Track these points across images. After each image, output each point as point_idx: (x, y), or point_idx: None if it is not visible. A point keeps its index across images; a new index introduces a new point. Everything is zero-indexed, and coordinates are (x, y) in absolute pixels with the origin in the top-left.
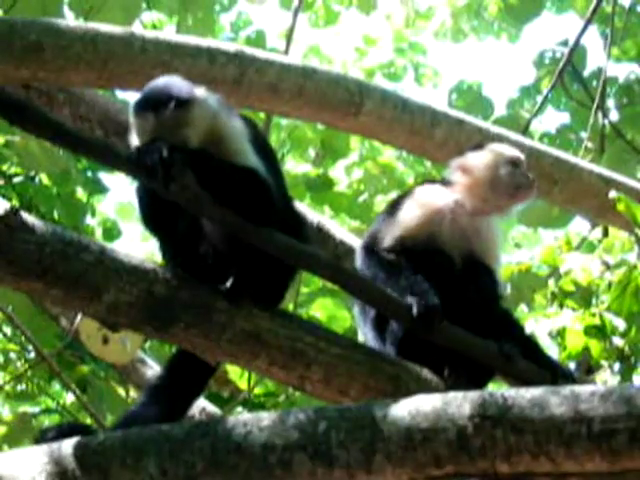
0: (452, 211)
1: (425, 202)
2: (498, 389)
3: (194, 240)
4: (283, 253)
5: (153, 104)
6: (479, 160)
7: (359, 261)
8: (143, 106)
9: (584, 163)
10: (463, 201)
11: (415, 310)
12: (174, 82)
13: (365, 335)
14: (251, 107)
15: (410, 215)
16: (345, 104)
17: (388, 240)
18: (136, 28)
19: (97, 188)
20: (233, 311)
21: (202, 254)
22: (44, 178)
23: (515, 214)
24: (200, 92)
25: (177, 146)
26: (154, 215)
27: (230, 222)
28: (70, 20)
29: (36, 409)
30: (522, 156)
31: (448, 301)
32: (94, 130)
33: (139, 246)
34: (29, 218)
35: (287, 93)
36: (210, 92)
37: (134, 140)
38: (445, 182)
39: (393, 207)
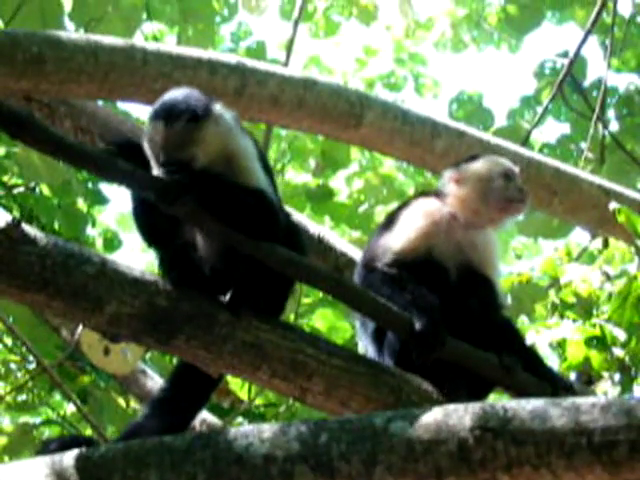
0: (447, 224)
1: (421, 217)
2: (499, 401)
3: (192, 252)
4: (283, 266)
5: (166, 115)
6: (472, 173)
7: (360, 279)
8: (156, 115)
9: (584, 174)
10: (456, 214)
11: (418, 326)
12: (191, 95)
13: (365, 347)
14: (252, 118)
15: (407, 230)
16: (346, 116)
17: (387, 256)
18: (136, 39)
19: (98, 199)
20: (234, 323)
21: (201, 266)
22: (45, 189)
23: (510, 225)
24: (217, 108)
25: (183, 164)
26: (151, 226)
27: (230, 236)
28: (71, 32)
29: (37, 420)
30: (516, 168)
31: (447, 313)
32: (95, 142)
33: (140, 257)
34: (30, 230)
35: (288, 105)
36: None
37: (145, 144)
38: (439, 194)
39: (389, 222)
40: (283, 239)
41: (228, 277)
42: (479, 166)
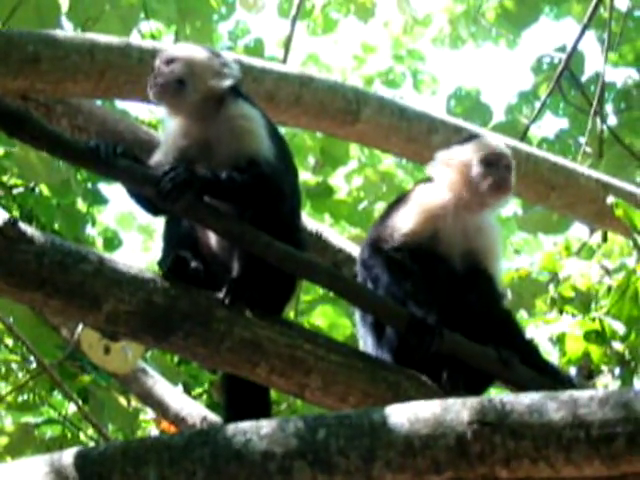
0: (453, 210)
1: (426, 203)
2: (497, 395)
3: (191, 248)
4: (280, 260)
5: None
6: (459, 157)
7: (365, 257)
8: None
9: (582, 168)
10: (452, 198)
11: (415, 318)
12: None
13: (365, 341)
14: None
15: (415, 212)
16: (342, 112)
17: (395, 237)
18: (134, 38)
19: (97, 198)
20: (232, 320)
21: (198, 257)
22: (44, 189)
23: (503, 206)
24: (229, 61)
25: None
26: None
27: (227, 232)
28: (68, 31)
29: (38, 419)
30: (503, 152)
31: (448, 305)
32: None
33: (140, 256)
34: (28, 229)
35: (284, 102)
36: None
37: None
38: (436, 181)
39: (395, 208)
40: (283, 235)
41: (229, 270)
42: (462, 151)
